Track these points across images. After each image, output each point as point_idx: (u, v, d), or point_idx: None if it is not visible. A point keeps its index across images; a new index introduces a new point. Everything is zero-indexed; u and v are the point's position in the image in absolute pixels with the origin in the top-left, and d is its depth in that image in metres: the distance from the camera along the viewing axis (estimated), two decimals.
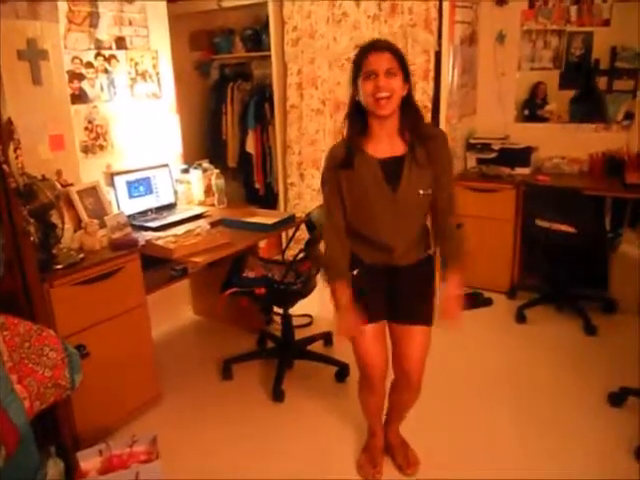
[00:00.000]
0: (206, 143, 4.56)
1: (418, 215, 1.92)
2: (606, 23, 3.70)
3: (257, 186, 4.49)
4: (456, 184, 3.83)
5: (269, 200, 4.50)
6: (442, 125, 3.58)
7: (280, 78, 4.10)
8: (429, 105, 3.57)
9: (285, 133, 4.20)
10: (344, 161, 1.83)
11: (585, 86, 3.88)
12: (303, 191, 4.22)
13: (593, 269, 3.64)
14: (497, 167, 3.85)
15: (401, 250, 1.92)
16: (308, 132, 4.06)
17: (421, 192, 1.82)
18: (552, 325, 3.43)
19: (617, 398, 2.59)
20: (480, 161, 3.96)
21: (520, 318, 3.49)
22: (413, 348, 2.01)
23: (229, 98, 4.44)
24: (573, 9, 3.76)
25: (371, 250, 1.95)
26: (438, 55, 3.53)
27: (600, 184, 3.56)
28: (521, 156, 3.86)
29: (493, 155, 3.90)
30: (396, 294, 2.01)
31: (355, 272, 1.97)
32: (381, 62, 1.72)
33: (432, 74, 3.54)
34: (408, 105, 1.81)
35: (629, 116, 3.73)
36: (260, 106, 4.35)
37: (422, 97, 3.53)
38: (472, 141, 4.02)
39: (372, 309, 1.98)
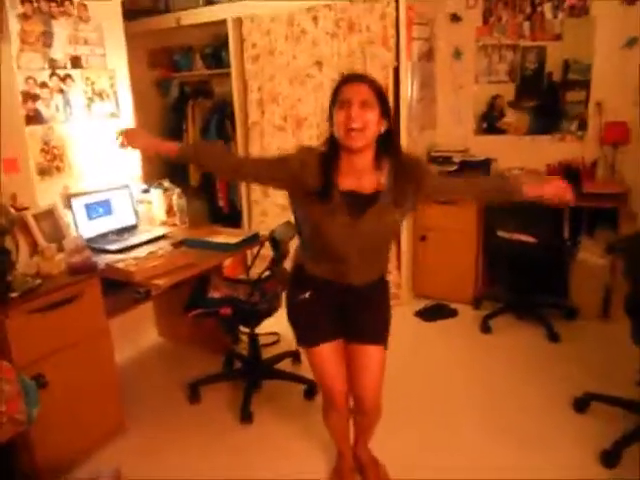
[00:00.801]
0: (167, 162, 4.50)
1: (379, 243, 1.88)
2: (558, 37, 3.83)
3: (221, 204, 4.45)
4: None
5: (233, 218, 4.46)
6: (403, 138, 3.62)
7: (241, 95, 4.10)
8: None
9: (247, 150, 4.18)
10: (317, 189, 1.73)
11: (541, 98, 3.99)
12: (267, 208, 4.21)
13: (553, 277, 3.72)
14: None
15: (357, 272, 1.87)
16: (270, 148, 4.05)
17: (387, 222, 1.79)
18: (516, 334, 3.48)
19: (581, 403, 2.63)
20: (441, 173, 4.02)
21: (485, 328, 3.53)
22: (368, 370, 1.94)
23: (190, 116, 4.40)
24: (526, 25, 3.88)
25: (326, 268, 1.88)
26: (396, 71, 3.58)
27: None
28: (481, 167, 3.94)
29: (454, 168, 3.96)
30: (351, 313, 1.94)
31: (307, 294, 1.92)
32: (356, 92, 1.67)
33: (391, 89, 3.59)
34: (387, 142, 1.75)
35: (582, 127, 3.86)
36: (221, 123, 4.33)
37: None
38: (433, 154, 4.08)
39: (326, 327, 1.94)
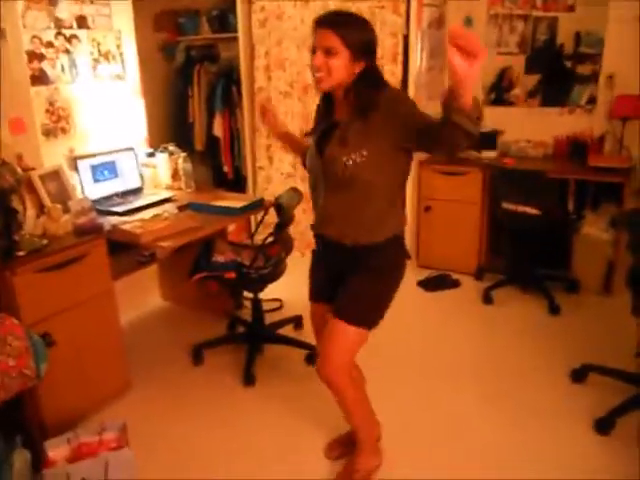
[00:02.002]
0: (172, 126, 4.47)
1: (348, 187, 1.73)
2: (570, 9, 3.76)
3: (225, 170, 4.44)
4: (424, 167, 3.88)
5: (238, 183, 4.46)
6: None
7: (247, 60, 4.04)
8: (398, 87, 3.57)
9: (253, 116, 4.15)
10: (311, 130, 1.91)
11: (552, 70, 3.94)
12: (272, 175, 4.20)
13: (556, 250, 3.73)
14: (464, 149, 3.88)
15: (333, 222, 1.82)
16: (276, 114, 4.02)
17: (344, 159, 1.68)
18: (518, 306, 3.51)
19: (579, 374, 2.67)
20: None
21: (487, 299, 3.55)
22: (326, 341, 1.86)
23: (195, 81, 4.35)
24: None
25: (316, 220, 1.90)
26: (406, 38, 3.53)
27: (564, 167, 3.63)
28: (488, 139, 3.90)
29: None
30: (342, 278, 1.86)
31: (314, 250, 2.01)
32: (321, 39, 1.64)
33: (400, 57, 3.54)
34: (363, 80, 1.69)
35: (592, 100, 3.81)
36: (227, 89, 4.28)
37: (391, 79, 3.51)
38: None
39: (317, 286, 2.01)
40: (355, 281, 1.83)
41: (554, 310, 3.38)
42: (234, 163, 4.46)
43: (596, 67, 3.76)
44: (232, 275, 2.64)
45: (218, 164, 4.45)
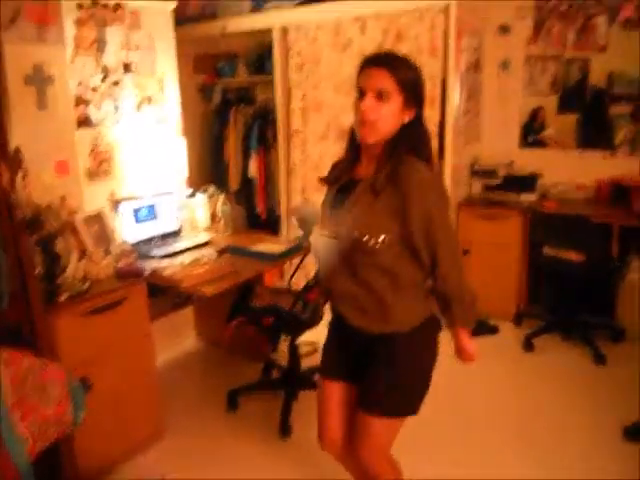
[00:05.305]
0: (208, 167, 4.53)
1: (359, 265, 1.50)
2: (602, 49, 3.73)
3: (259, 210, 4.45)
4: (462, 209, 3.83)
5: (271, 224, 4.46)
6: (449, 152, 3.57)
7: (283, 103, 4.09)
8: (435, 131, 3.56)
9: (289, 157, 4.18)
10: (327, 176, 1.69)
11: (585, 110, 3.89)
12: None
13: (600, 297, 3.61)
14: (503, 193, 3.83)
15: (344, 302, 1.58)
16: (312, 157, 4.04)
17: (357, 234, 1.45)
18: (560, 354, 3.38)
19: (632, 432, 2.53)
20: (486, 187, 3.95)
21: (528, 346, 3.44)
22: (361, 437, 1.64)
23: (232, 122, 4.41)
24: (571, 36, 3.79)
25: (325, 294, 1.69)
26: (443, 82, 3.53)
27: (608, 211, 3.54)
28: (527, 182, 3.84)
29: (498, 181, 3.88)
30: (362, 361, 1.64)
31: (330, 323, 1.79)
32: (373, 80, 1.45)
33: (438, 101, 3.54)
34: (409, 130, 1.51)
35: (633, 142, 3.74)
36: (263, 130, 4.33)
37: (428, 124, 3.50)
38: (476, 168, 4.01)
39: (331, 364, 1.74)
40: (384, 371, 1.59)
41: (599, 359, 3.24)
42: (268, 203, 4.47)
43: (629, 107, 3.70)
44: (270, 320, 2.60)
45: (252, 205, 4.47)
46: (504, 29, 3.98)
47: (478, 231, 3.76)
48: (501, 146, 4.13)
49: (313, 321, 2.68)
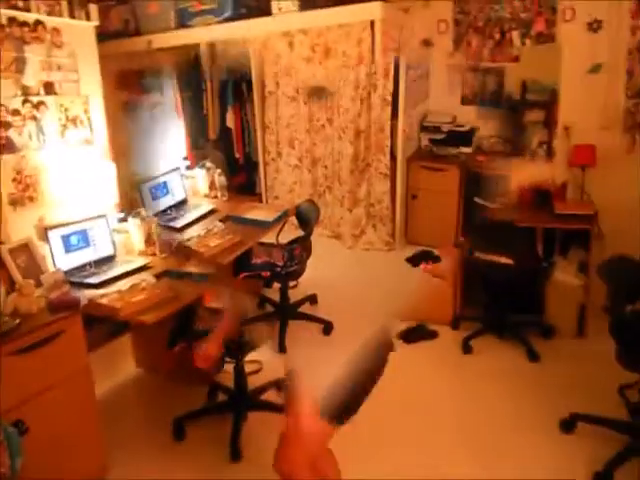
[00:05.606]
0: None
1: None
2: (515, 59, 4.00)
3: (237, 155, 5.24)
4: (411, 162, 4.67)
5: (249, 168, 5.36)
6: (400, 114, 4.33)
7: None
8: (389, 99, 4.36)
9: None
10: None
11: (502, 118, 4.15)
12: (281, 167, 5.08)
13: (530, 296, 3.79)
14: (445, 147, 4.51)
15: None
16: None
17: None
18: (497, 353, 3.51)
19: (568, 424, 2.67)
20: (432, 141, 4.60)
21: (466, 349, 3.55)
22: None
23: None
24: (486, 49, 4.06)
25: None
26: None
27: (531, 215, 3.72)
28: (466, 136, 4.45)
29: (442, 136, 4.52)
30: None
31: None
32: None
33: (392, 73, 4.19)
34: None
35: (548, 149, 3.97)
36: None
37: (383, 92, 4.33)
38: (426, 123, 4.66)
39: None
40: None
41: (533, 357, 3.39)
42: (245, 150, 5.29)
43: (542, 114, 3.95)
44: (267, 274, 3.33)
45: (230, 150, 5.22)
46: (427, 42, 4.15)
47: (424, 180, 4.66)
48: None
49: (301, 272, 3.44)
